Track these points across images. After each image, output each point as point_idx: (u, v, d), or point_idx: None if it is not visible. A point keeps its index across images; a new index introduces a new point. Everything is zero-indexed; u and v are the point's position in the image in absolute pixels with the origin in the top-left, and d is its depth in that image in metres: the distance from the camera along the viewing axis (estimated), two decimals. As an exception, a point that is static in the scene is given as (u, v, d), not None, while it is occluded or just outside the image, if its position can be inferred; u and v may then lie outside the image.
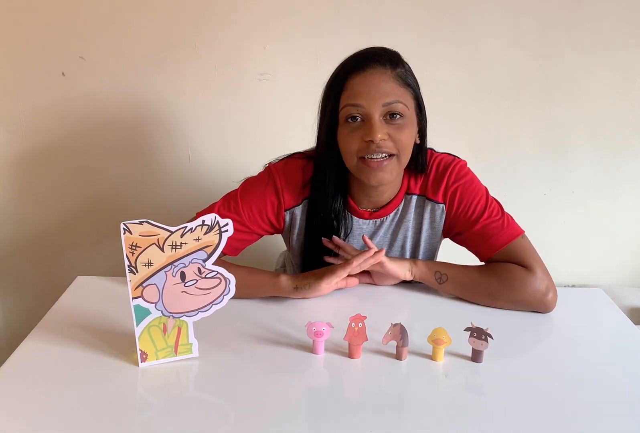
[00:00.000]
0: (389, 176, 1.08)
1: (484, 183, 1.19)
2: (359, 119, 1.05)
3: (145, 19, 1.57)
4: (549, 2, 1.59)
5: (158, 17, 1.57)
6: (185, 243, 0.86)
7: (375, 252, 1.08)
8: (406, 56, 1.12)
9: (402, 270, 1.13)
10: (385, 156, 1.05)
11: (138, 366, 0.90)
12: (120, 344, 0.95)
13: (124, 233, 0.84)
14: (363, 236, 1.13)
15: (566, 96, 1.67)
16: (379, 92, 1.03)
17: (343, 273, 1.08)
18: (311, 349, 0.95)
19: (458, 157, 1.19)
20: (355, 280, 1.15)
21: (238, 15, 1.57)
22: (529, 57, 1.64)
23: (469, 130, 1.70)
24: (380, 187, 1.12)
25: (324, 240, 1.16)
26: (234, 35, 1.59)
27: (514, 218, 1.17)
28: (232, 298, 0.91)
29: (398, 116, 1.04)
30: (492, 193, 1.19)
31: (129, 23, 1.57)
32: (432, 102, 1.64)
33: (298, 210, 1.18)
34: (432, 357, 0.94)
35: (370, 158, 1.05)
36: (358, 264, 1.08)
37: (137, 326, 0.89)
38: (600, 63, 1.64)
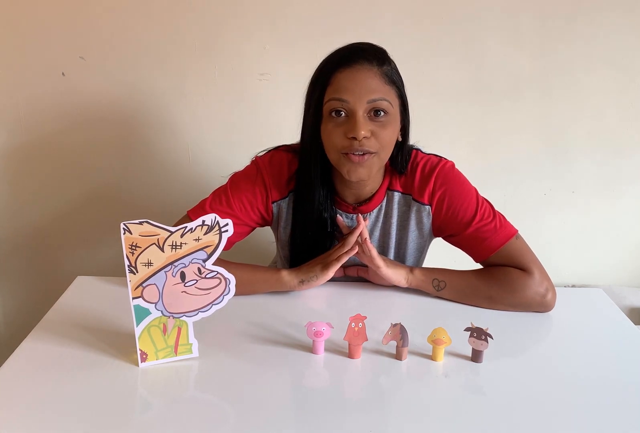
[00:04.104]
0: (368, 172, 1.07)
1: (484, 183, 1.19)
2: (343, 113, 1.04)
3: (145, 19, 1.57)
4: (549, 1, 1.59)
5: (158, 17, 1.57)
6: (185, 243, 0.86)
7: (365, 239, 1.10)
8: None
9: (398, 277, 1.13)
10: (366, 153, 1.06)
11: (138, 366, 0.90)
12: (120, 344, 0.95)
13: (124, 233, 0.84)
14: (358, 215, 1.12)
15: (566, 95, 1.67)
16: (364, 88, 1.03)
17: (345, 257, 1.10)
18: (311, 349, 0.95)
19: (445, 158, 1.18)
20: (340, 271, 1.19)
21: (238, 15, 1.57)
22: (528, 57, 1.63)
23: (469, 130, 1.70)
24: (361, 181, 1.12)
25: (338, 217, 1.17)
26: (234, 35, 1.59)
27: (514, 218, 1.16)
28: (235, 295, 0.91)
29: (382, 113, 1.04)
30: (491, 193, 1.18)
31: (129, 23, 1.57)
32: (432, 102, 1.65)
33: (284, 203, 1.18)
34: (432, 357, 0.94)
35: (352, 154, 1.05)
36: (352, 243, 1.10)
37: (137, 326, 0.89)
38: (600, 62, 1.64)
